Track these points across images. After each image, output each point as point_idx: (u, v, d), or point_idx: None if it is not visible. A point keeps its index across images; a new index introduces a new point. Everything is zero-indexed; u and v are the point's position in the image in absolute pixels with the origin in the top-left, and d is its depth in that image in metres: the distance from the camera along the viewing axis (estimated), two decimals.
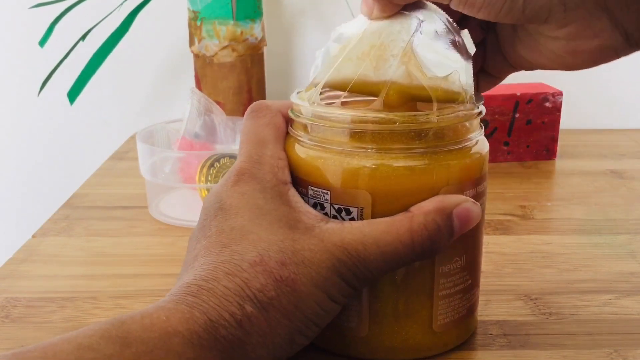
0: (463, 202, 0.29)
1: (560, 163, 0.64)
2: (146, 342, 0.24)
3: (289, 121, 0.34)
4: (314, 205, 0.31)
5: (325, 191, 0.30)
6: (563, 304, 0.38)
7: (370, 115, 0.30)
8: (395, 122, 0.29)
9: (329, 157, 0.30)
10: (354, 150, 0.30)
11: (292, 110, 0.33)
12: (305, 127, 0.32)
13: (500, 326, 0.35)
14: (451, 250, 0.31)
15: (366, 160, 0.29)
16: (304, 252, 0.28)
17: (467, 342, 0.34)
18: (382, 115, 0.29)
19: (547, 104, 0.63)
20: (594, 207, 0.53)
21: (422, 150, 0.29)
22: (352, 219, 0.30)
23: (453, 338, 0.33)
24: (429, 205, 0.29)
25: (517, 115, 0.63)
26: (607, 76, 0.77)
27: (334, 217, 0.30)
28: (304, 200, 0.31)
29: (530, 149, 0.64)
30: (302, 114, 0.32)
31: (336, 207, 0.30)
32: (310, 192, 0.31)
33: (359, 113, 0.30)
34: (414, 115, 0.29)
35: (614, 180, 0.59)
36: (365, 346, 0.32)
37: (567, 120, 0.70)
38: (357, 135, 0.30)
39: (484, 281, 0.40)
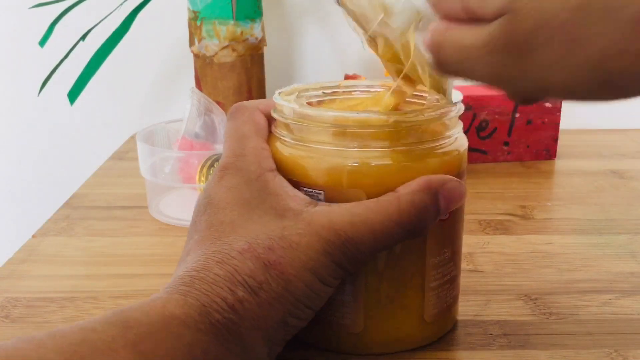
0: (448, 181, 0.30)
1: (560, 163, 0.64)
2: (147, 325, 0.25)
3: (272, 122, 0.34)
4: None
5: (319, 191, 0.31)
6: (563, 304, 0.38)
7: (365, 115, 0.30)
8: (387, 122, 0.30)
9: (321, 157, 0.31)
10: (346, 150, 0.30)
11: (275, 110, 0.33)
12: (292, 128, 0.32)
13: (500, 326, 0.35)
14: (440, 243, 0.32)
15: (359, 159, 0.30)
16: (292, 237, 0.28)
17: (467, 342, 0.34)
18: (375, 116, 0.30)
19: (547, 104, 0.63)
20: (594, 207, 0.53)
21: (412, 147, 0.31)
22: None
23: (442, 327, 0.34)
24: (415, 184, 0.30)
25: (517, 115, 0.63)
26: None
27: None
28: None
29: (530, 149, 0.64)
30: (290, 115, 0.32)
31: None
32: (302, 191, 0.31)
33: (348, 112, 0.31)
34: (405, 114, 0.30)
35: (614, 180, 0.59)
36: (361, 341, 0.32)
37: (567, 120, 0.70)
38: (349, 134, 0.30)
39: (484, 281, 0.40)
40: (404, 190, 0.29)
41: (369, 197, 0.30)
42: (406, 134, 0.30)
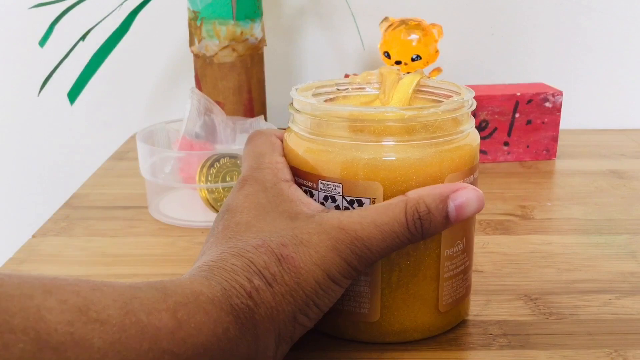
0: (461, 188, 0.31)
1: (560, 163, 0.64)
2: (181, 296, 0.26)
3: (289, 121, 0.35)
4: (325, 199, 0.32)
5: (337, 184, 0.32)
6: (563, 304, 0.38)
7: (381, 109, 0.32)
8: (403, 117, 0.31)
9: (339, 151, 0.32)
10: (365, 143, 0.31)
11: (293, 106, 0.34)
12: (311, 123, 0.33)
13: (500, 326, 0.36)
14: (454, 234, 0.33)
15: (378, 153, 0.31)
16: (303, 235, 0.30)
17: (467, 342, 0.34)
18: (392, 110, 0.31)
19: (547, 104, 0.63)
20: (594, 207, 0.53)
21: (427, 141, 0.31)
22: None
23: (455, 317, 0.35)
24: (424, 189, 0.31)
25: (517, 115, 0.63)
26: (607, 76, 0.77)
27: (346, 208, 0.32)
28: (314, 195, 0.33)
29: (530, 149, 0.64)
30: (308, 110, 0.33)
31: (348, 199, 0.32)
32: (320, 185, 0.32)
33: (370, 108, 0.32)
34: (420, 109, 0.31)
35: (614, 180, 0.59)
36: (377, 330, 0.33)
37: (567, 120, 0.70)
38: (367, 128, 0.31)
39: (484, 281, 0.40)
40: (412, 194, 0.30)
41: (385, 190, 0.31)
42: (421, 128, 0.31)
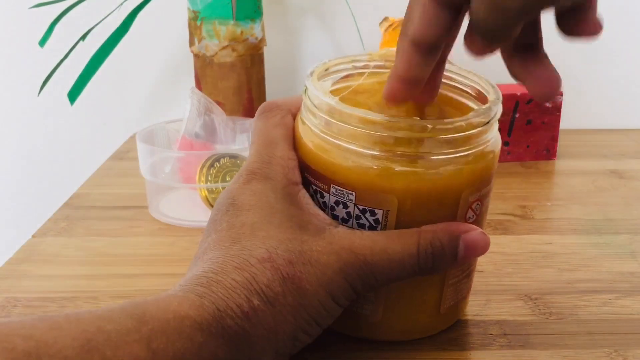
0: (472, 230, 0.31)
1: (560, 163, 0.64)
2: (161, 321, 0.25)
3: (302, 111, 0.33)
4: (337, 203, 0.31)
5: (350, 192, 0.30)
6: (563, 304, 0.38)
7: (403, 121, 0.29)
8: (426, 129, 0.29)
9: (356, 159, 0.30)
10: (383, 154, 0.29)
11: (312, 103, 0.32)
12: (329, 124, 0.31)
13: (500, 326, 0.35)
14: None
15: (396, 165, 0.29)
16: (312, 253, 0.28)
17: (467, 342, 0.34)
18: (414, 122, 0.29)
19: (547, 104, 0.63)
20: (594, 207, 0.53)
21: (449, 155, 0.30)
22: (377, 220, 0.30)
23: (454, 316, 0.35)
24: (439, 225, 0.30)
25: (517, 115, 0.63)
26: (607, 76, 0.77)
27: (357, 217, 0.31)
28: (324, 197, 0.31)
29: (530, 149, 0.64)
30: (327, 112, 0.31)
31: (360, 207, 0.30)
32: (332, 190, 0.31)
33: (391, 118, 0.29)
34: (445, 122, 0.29)
35: (614, 180, 0.59)
36: (378, 329, 0.33)
37: (567, 120, 0.70)
38: (386, 139, 0.29)
39: (484, 281, 0.40)
40: (426, 228, 0.30)
41: (400, 203, 0.30)
42: (453, 140, 0.29)
